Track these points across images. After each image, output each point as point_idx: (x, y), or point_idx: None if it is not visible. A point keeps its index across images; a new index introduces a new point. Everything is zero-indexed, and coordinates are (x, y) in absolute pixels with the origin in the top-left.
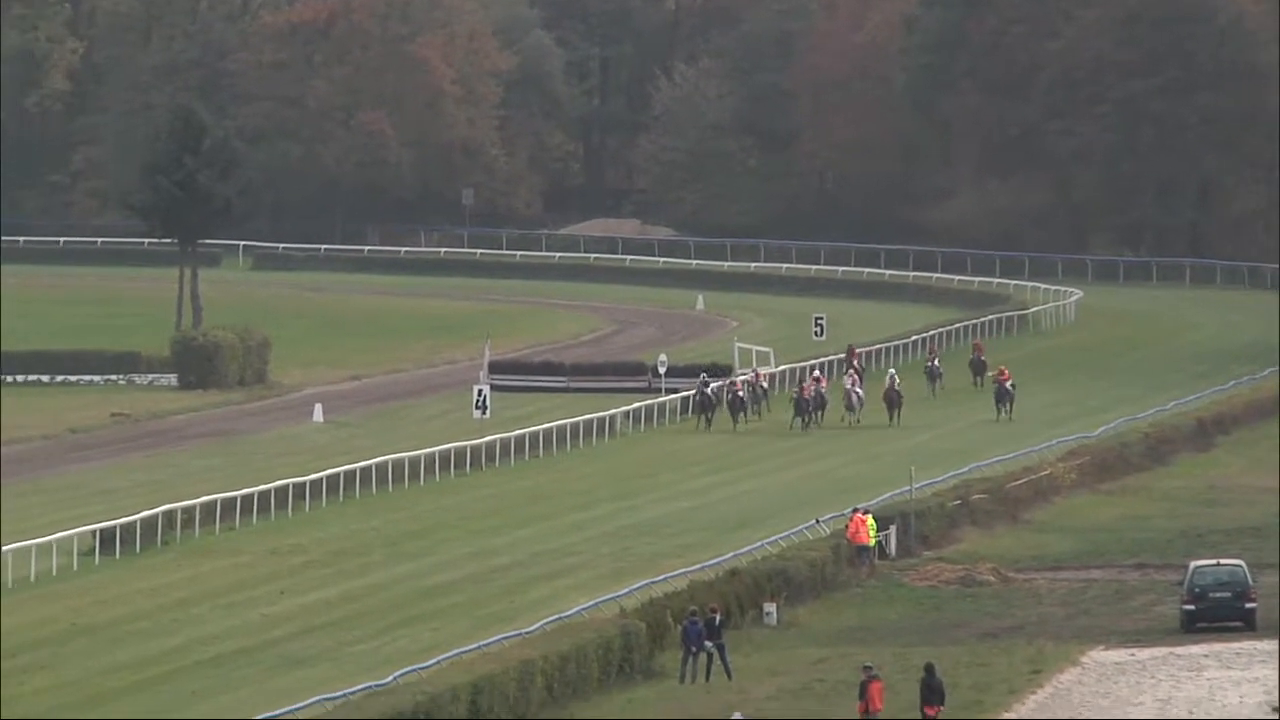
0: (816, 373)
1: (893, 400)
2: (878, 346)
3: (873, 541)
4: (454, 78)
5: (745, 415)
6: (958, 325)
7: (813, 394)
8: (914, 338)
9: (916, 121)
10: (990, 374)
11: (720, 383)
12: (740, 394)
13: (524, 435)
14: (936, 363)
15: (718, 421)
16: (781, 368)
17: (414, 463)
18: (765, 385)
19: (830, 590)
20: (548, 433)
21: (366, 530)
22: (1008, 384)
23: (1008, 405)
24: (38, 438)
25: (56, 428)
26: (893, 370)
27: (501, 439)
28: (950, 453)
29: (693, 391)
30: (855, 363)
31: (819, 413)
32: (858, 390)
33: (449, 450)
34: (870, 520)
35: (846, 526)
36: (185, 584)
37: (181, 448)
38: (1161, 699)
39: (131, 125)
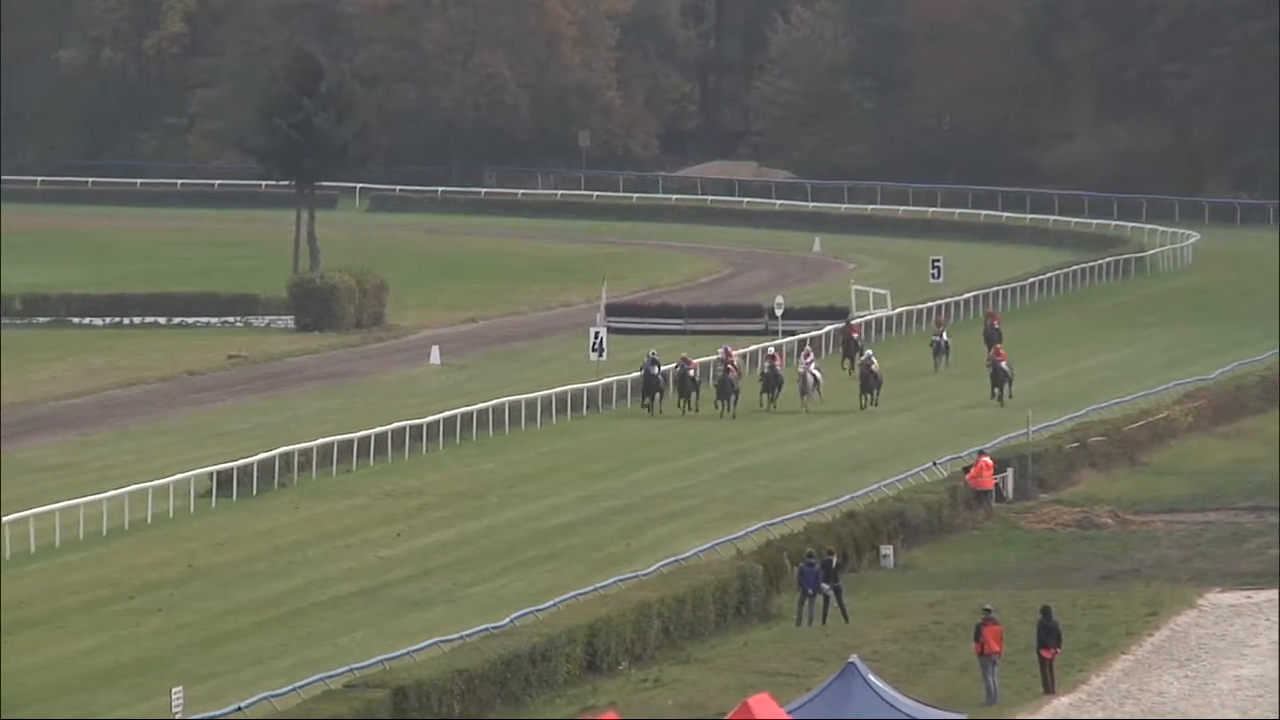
0: (771, 349)
1: (868, 381)
2: (996, 288)
3: (994, 484)
4: (570, 19)
5: (698, 396)
6: (1074, 268)
7: (769, 370)
8: (1029, 280)
9: (1033, 63)
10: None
11: (674, 364)
12: (692, 374)
13: (640, 378)
14: (944, 336)
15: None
16: (899, 309)
17: (530, 405)
18: (736, 364)
19: (947, 533)
20: (664, 375)
21: (482, 472)
22: (1004, 364)
23: (1005, 386)
24: (155, 380)
25: (174, 370)
26: (869, 351)
27: (618, 381)
28: (1068, 395)
29: (639, 371)
30: (854, 337)
31: (776, 390)
32: (814, 371)
33: (565, 393)
34: (991, 463)
35: (968, 469)
36: (302, 526)
37: (298, 390)
38: (1277, 641)
39: (248, 68)
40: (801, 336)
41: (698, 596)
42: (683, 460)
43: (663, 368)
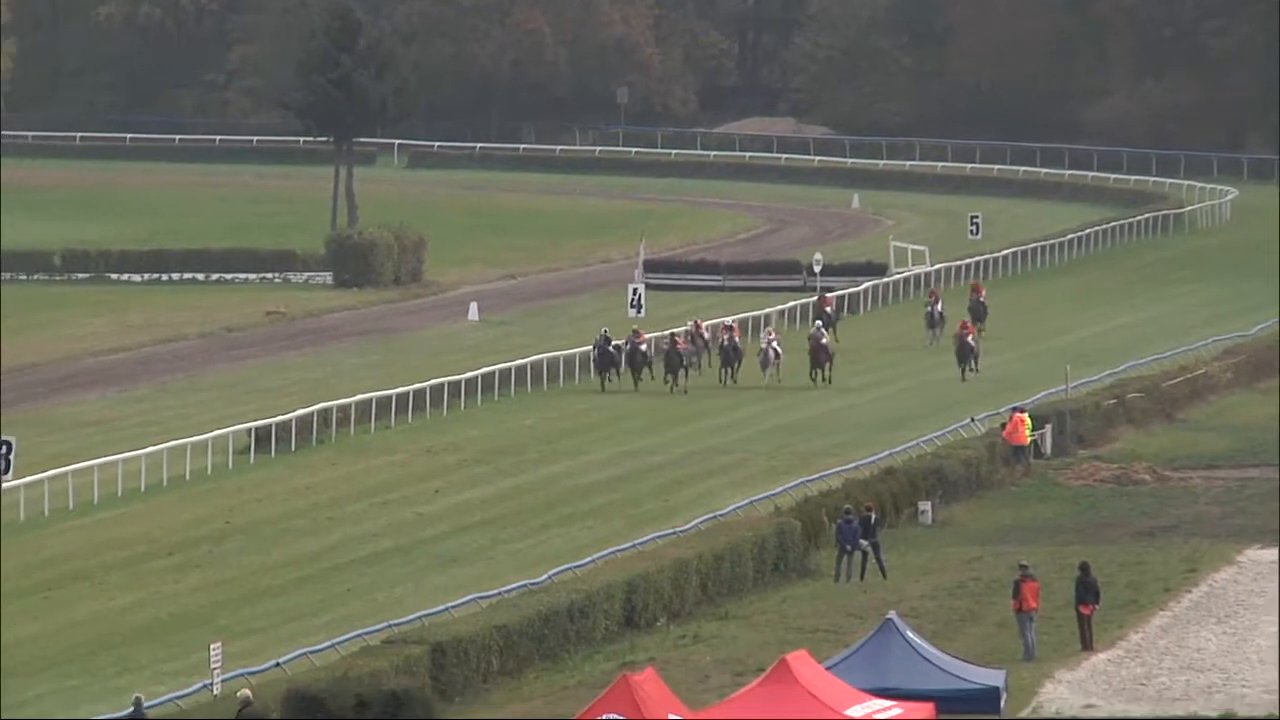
0: (730, 321)
1: (819, 356)
2: (1034, 244)
3: (1029, 440)
4: None
5: (651, 372)
6: (1112, 224)
7: (727, 343)
8: (1068, 236)
9: (1072, 19)
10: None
11: (628, 340)
12: (644, 350)
13: (736, 322)
14: (939, 307)
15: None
16: (937, 266)
17: (569, 361)
18: (706, 337)
19: (985, 489)
20: (790, 311)
21: (520, 429)
22: (970, 339)
23: (972, 362)
24: (194, 336)
25: (212, 326)
26: (819, 323)
27: (655, 337)
28: (1106, 351)
29: (592, 347)
30: (826, 310)
31: (736, 364)
32: (775, 346)
33: (769, 314)
34: (1027, 419)
35: (1004, 425)
36: (340, 482)
37: (337, 346)
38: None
39: (287, 24)
40: (766, 312)
41: (736, 553)
42: (723, 416)
43: (614, 343)
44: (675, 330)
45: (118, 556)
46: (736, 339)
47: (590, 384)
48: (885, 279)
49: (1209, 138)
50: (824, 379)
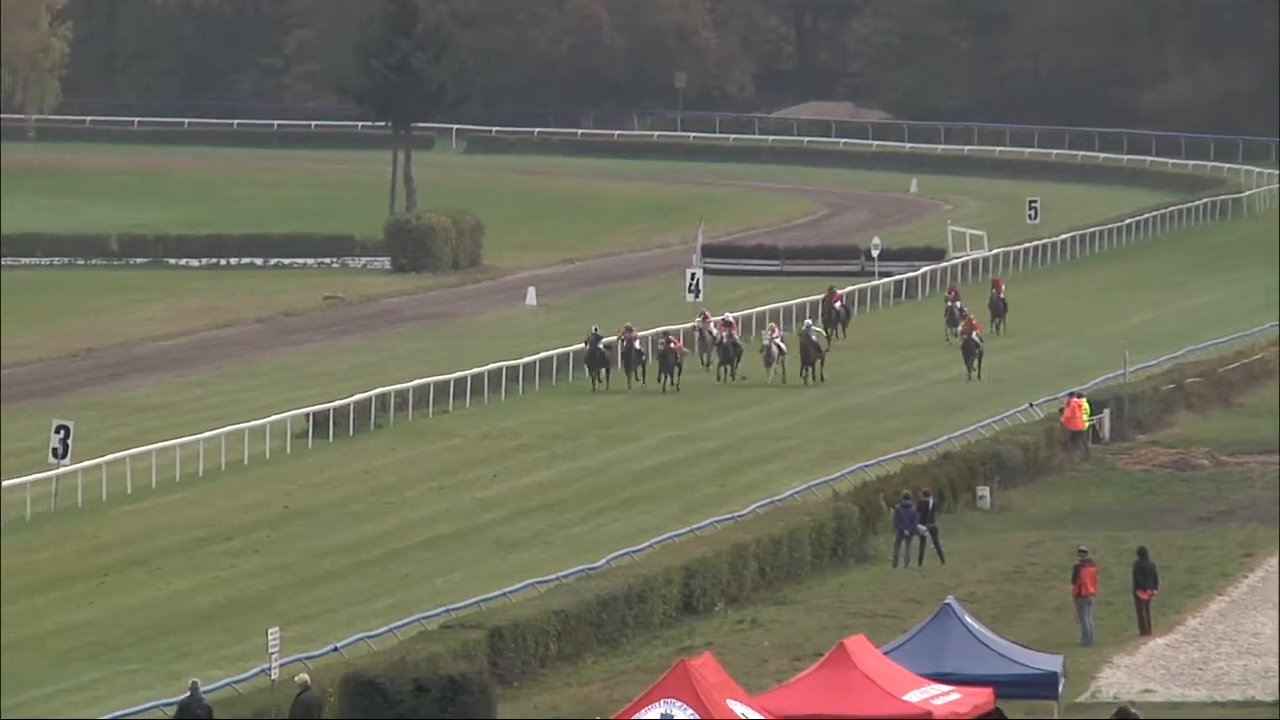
0: (729, 317)
1: (809, 354)
2: (1093, 229)
3: (1087, 425)
4: None
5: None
6: (1170, 209)
7: (725, 340)
8: (1126, 221)
9: (1129, 3)
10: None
11: (619, 335)
12: (639, 347)
13: (736, 318)
14: (959, 303)
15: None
16: (995, 250)
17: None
18: (714, 332)
19: (1043, 474)
20: (760, 316)
21: (578, 414)
22: (976, 336)
23: (977, 361)
24: (251, 321)
25: (270, 311)
26: (809, 321)
27: (650, 335)
28: (1164, 336)
29: (584, 344)
30: (836, 305)
31: (734, 362)
32: (778, 342)
33: (777, 309)
34: (1085, 404)
35: (1061, 410)
36: (398, 467)
37: (395, 331)
38: None
39: (345, 8)
40: (771, 308)
41: (794, 538)
42: (780, 400)
43: (605, 340)
44: (669, 328)
45: (176, 541)
46: (735, 336)
47: (647, 368)
48: (943, 264)
49: (1267, 122)
50: (815, 377)
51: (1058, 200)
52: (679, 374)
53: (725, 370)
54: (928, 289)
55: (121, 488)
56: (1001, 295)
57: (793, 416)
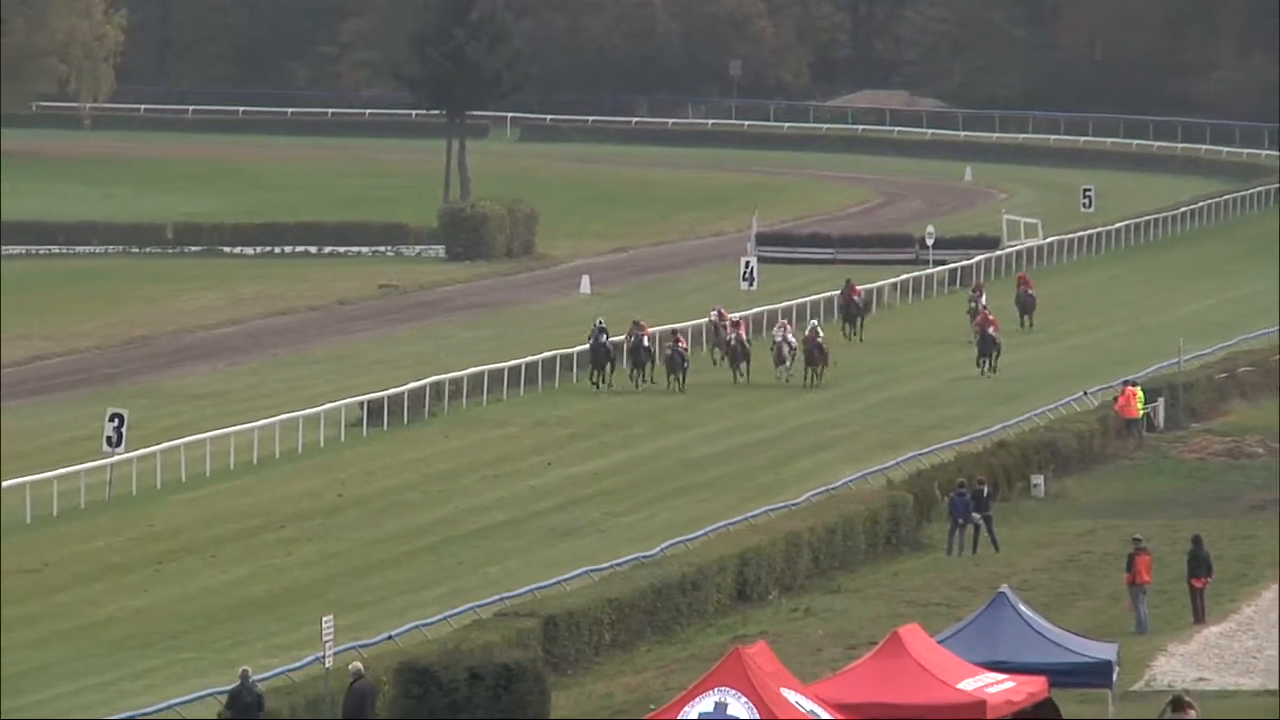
0: (736, 317)
1: (814, 355)
2: (1147, 217)
3: (1141, 414)
4: None
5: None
6: (1225, 197)
7: (734, 340)
8: (1180, 209)
9: None
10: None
11: (628, 333)
12: (647, 345)
13: (790, 307)
14: (983, 300)
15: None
16: (1050, 239)
17: (680, 335)
18: (728, 331)
19: (1098, 462)
20: (814, 305)
21: (631, 402)
22: (991, 331)
23: (992, 356)
24: (305, 309)
25: (325, 299)
26: (814, 321)
27: (768, 310)
28: (1218, 325)
29: (588, 339)
30: (855, 299)
31: (744, 363)
32: (789, 340)
33: (790, 307)
34: (1139, 392)
35: (1116, 399)
36: (452, 455)
37: (449, 319)
38: None
39: None
40: (784, 306)
41: (848, 526)
42: (834, 389)
43: (610, 338)
44: (677, 326)
45: (230, 529)
46: (744, 336)
47: (701, 356)
48: (998, 252)
49: None
50: (816, 378)
51: (1112, 189)
52: (685, 376)
53: (735, 371)
54: (982, 277)
55: (176, 476)
56: (1030, 291)
57: (847, 404)
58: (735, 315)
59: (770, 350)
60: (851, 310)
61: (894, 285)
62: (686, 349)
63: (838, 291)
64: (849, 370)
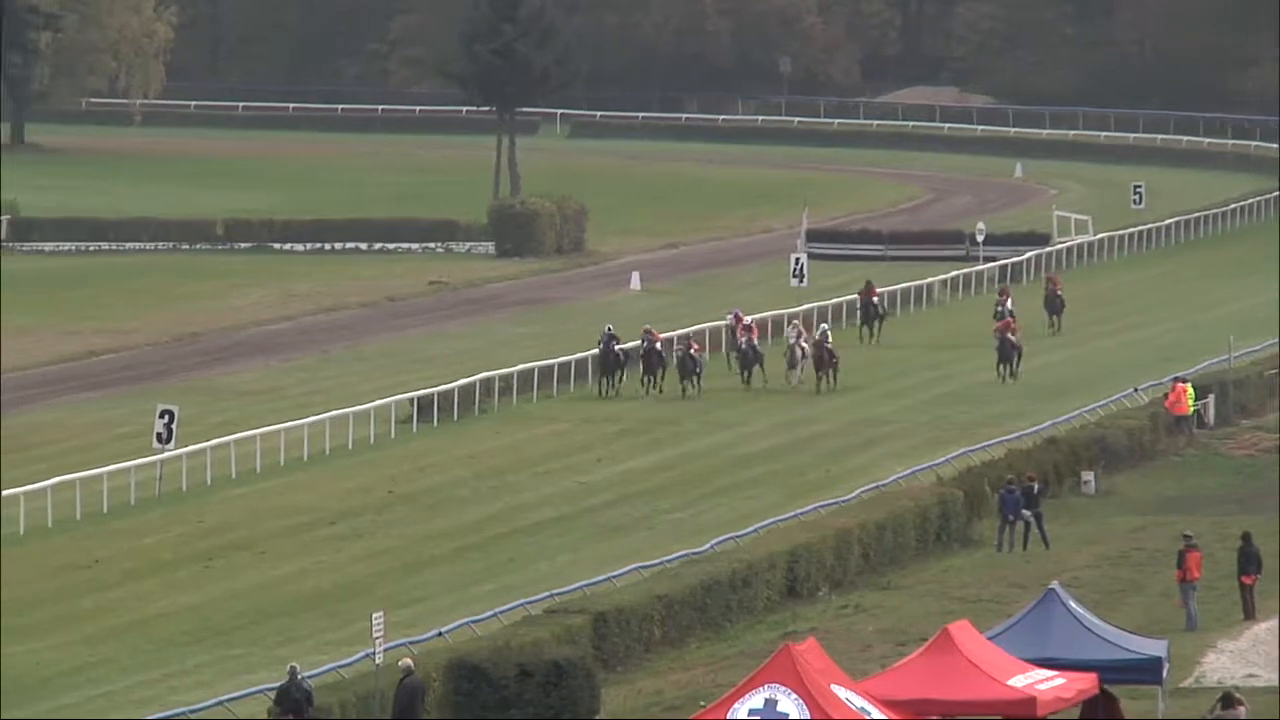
0: (748, 320)
1: (823, 359)
2: (1197, 214)
3: (1191, 410)
4: None
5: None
6: (1275, 194)
7: (745, 345)
8: (1231, 206)
9: None
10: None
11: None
12: (659, 350)
13: (840, 304)
14: (1009, 305)
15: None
16: (1100, 235)
17: (730, 331)
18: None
19: (1148, 459)
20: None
21: (680, 399)
22: (1011, 336)
23: (1013, 362)
24: (356, 305)
25: (375, 296)
26: (824, 325)
27: (818, 307)
28: (1269, 321)
29: (597, 344)
30: (873, 299)
31: (756, 368)
32: (803, 344)
33: (765, 318)
34: (1189, 389)
35: (1166, 395)
36: (502, 452)
37: (499, 315)
38: None
39: None
40: (793, 311)
41: (898, 523)
42: (884, 385)
43: (621, 345)
44: (689, 331)
45: (280, 526)
46: (755, 340)
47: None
48: (1048, 248)
49: None
50: (829, 383)
51: (1162, 185)
52: (700, 381)
53: (746, 375)
54: (1032, 274)
55: (226, 472)
56: (1059, 292)
57: (897, 401)
58: (749, 318)
59: (784, 354)
60: (870, 312)
61: (944, 282)
62: (699, 353)
63: (894, 285)
64: (898, 367)
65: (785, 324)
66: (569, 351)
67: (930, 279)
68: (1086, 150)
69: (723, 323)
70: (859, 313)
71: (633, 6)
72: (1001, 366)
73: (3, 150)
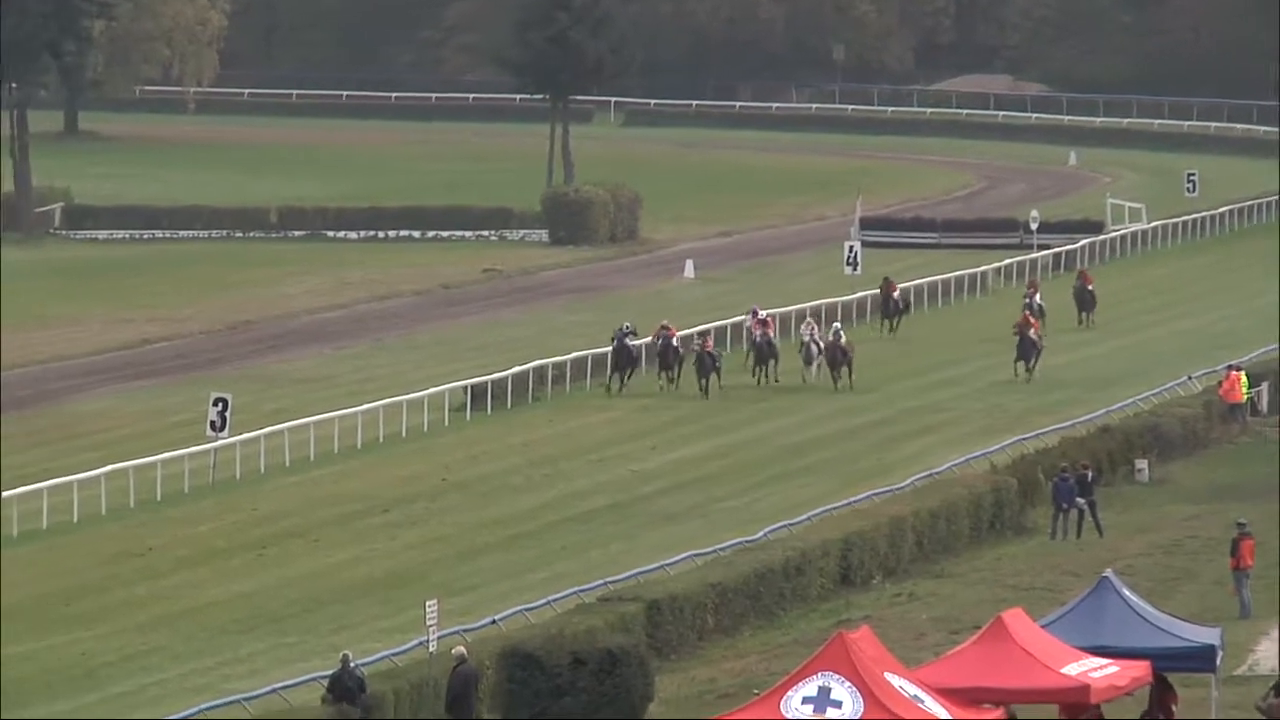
0: (763, 315)
1: (836, 358)
2: (1250, 202)
3: (1245, 398)
4: None
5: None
6: None
7: (760, 339)
8: None
9: None
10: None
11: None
12: (676, 346)
13: (773, 316)
14: (1037, 298)
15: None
16: (1154, 223)
17: (784, 319)
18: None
19: (1202, 447)
20: (918, 289)
21: (736, 386)
22: (1032, 334)
23: (1032, 359)
24: (409, 293)
25: (428, 284)
26: (837, 324)
27: (871, 295)
28: None
29: (611, 340)
30: (894, 295)
31: (770, 363)
32: (817, 340)
33: (819, 306)
34: (1243, 377)
35: (1220, 383)
36: (556, 440)
37: (552, 303)
38: None
39: None
40: (802, 308)
41: (952, 510)
42: (938, 373)
43: (636, 341)
44: (704, 327)
45: (334, 513)
46: (771, 335)
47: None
48: (1102, 236)
49: None
50: (845, 384)
51: (1216, 173)
52: (718, 377)
53: (760, 371)
54: (1086, 262)
55: (280, 460)
56: (1089, 288)
57: (951, 389)
58: (764, 313)
59: (799, 351)
60: (890, 308)
61: (997, 270)
62: (711, 349)
63: (948, 273)
64: (951, 354)
65: (802, 320)
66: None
67: (984, 266)
68: (1140, 138)
69: (742, 317)
70: (881, 309)
71: None
72: (1019, 364)
73: (57, 138)
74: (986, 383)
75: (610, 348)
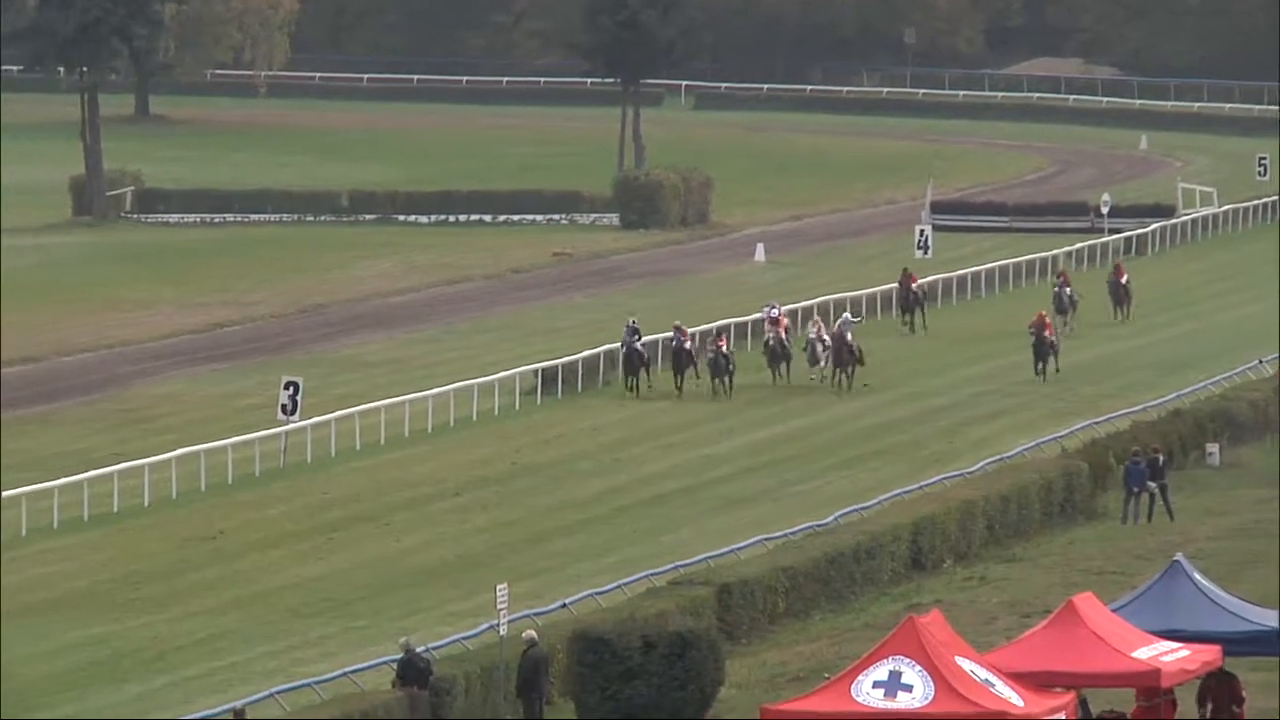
0: (775, 313)
1: (842, 357)
2: None
3: None
4: None
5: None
6: None
7: (772, 339)
8: None
9: None
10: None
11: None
12: (688, 347)
13: (965, 275)
14: (1069, 290)
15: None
16: (1225, 207)
17: (854, 303)
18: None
19: (1273, 431)
20: (989, 273)
21: (808, 370)
22: (1048, 334)
23: (1050, 360)
24: (480, 277)
25: (499, 268)
26: (847, 314)
27: (943, 279)
28: None
29: (620, 344)
30: (914, 287)
31: (783, 364)
32: (824, 338)
33: (890, 290)
34: None
35: None
36: (627, 424)
37: (623, 287)
38: None
39: None
40: (807, 304)
41: (1023, 494)
42: (1009, 357)
43: (644, 340)
44: (720, 324)
45: (404, 497)
46: (784, 334)
47: (875, 324)
48: (1173, 220)
49: None
50: (847, 382)
51: None
52: (731, 379)
53: (774, 371)
54: (1158, 245)
55: (350, 444)
56: (1123, 281)
57: (1020, 373)
58: (778, 311)
59: (804, 349)
60: (910, 300)
61: (1069, 253)
62: (725, 349)
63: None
64: (1022, 339)
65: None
66: (693, 323)
67: (1055, 250)
68: (1211, 122)
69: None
70: (897, 301)
71: None
72: (1038, 364)
73: (129, 122)
74: (1058, 366)
75: (621, 352)
